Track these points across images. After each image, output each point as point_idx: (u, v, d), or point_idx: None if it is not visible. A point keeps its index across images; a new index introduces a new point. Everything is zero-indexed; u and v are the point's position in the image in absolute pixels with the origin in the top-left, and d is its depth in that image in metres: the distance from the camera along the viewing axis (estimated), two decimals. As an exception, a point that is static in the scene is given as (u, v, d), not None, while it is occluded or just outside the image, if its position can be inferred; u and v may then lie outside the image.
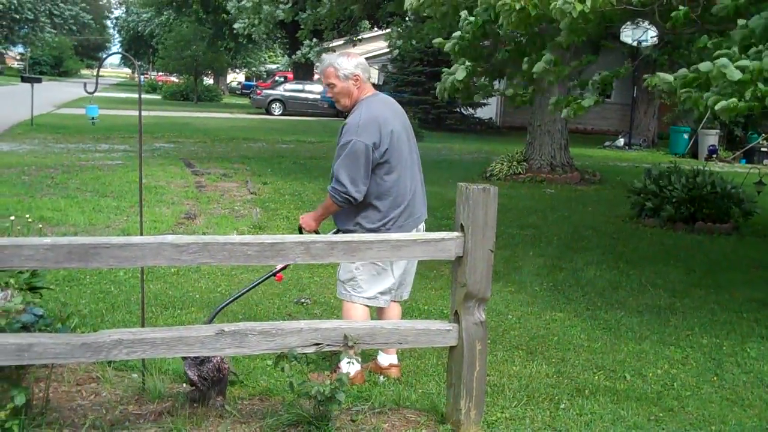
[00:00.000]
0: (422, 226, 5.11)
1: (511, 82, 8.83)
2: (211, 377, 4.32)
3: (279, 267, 5.20)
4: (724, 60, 5.04)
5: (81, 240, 3.67)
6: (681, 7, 6.11)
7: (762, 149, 25.45)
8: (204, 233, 9.32)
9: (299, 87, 39.04)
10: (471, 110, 33.13)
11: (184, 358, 4.27)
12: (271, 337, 3.94)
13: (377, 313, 5.25)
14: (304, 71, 44.11)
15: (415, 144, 5.15)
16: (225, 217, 10.49)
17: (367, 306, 4.96)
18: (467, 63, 7.18)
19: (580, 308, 7.09)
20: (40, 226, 7.46)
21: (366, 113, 4.80)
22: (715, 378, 5.52)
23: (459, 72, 7.13)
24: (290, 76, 51.21)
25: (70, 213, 10.03)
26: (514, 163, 16.02)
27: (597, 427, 4.57)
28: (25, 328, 4.36)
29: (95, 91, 5.02)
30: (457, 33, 7.37)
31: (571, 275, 8.27)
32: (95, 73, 6.61)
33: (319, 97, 37.27)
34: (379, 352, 5.21)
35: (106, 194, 11.71)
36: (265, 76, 66.08)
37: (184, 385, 4.71)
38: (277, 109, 37.70)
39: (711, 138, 25.63)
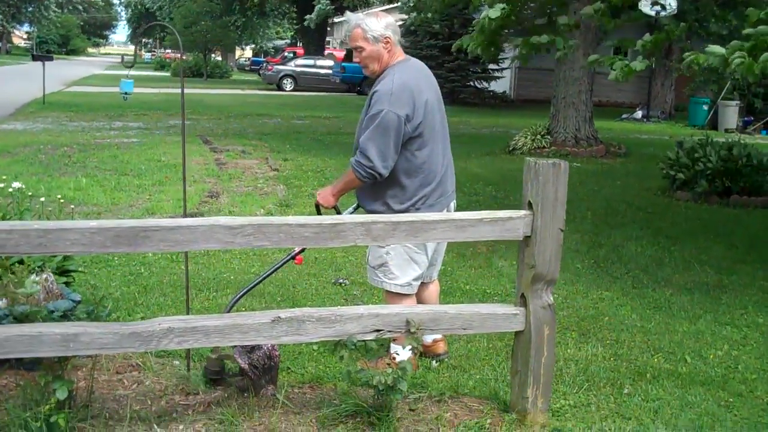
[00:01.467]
0: (453, 204, 4.75)
1: (535, 37, 8.45)
2: (262, 365, 4.08)
3: (298, 249, 4.78)
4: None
5: (129, 223, 3.42)
6: None
7: (783, 120, 25.09)
8: (230, 212, 9.08)
9: (310, 62, 38.67)
10: (485, 84, 32.74)
11: (233, 346, 4.03)
12: (329, 323, 3.70)
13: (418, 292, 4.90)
14: (314, 46, 43.79)
15: (445, 116, 4.73)
16: (249, 195, 10.24)
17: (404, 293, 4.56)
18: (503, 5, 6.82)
19: (627, 286, 6.83)
20: (72, 206, 7.21)
21: (399, 81, 4.31)
22: (779, 359, 5.27)
23: (494, 11, 6.74)
24: (300, 51, 50.92)
25: (91, 192, 9.78)
26: (538, 136, 15.69)
27: (666, 414, 4.31)
28: (64, 315, 4.14)
29: (133, 65, 4.75)
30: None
31: (612, 251, 8.01)
32: (130, 50, 6.35)
33: (330, 72, 36.93)
34: None
35: (125, 173, 11.46)
36: (273, 52, 65.64)
37: (231, 372, 4.48)
38: (288, 84, 37.34)
39: (731, 109, 25.25)
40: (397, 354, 4.44)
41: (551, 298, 3.96)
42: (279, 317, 3.64)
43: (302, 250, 5.06)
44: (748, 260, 7.84)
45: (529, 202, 3.87)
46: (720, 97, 25.46)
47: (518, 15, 7.66)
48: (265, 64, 53.44)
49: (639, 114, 27.78)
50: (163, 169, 11.93)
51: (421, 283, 4.73)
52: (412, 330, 3.75)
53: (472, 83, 32.38)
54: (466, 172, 11.66)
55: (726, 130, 24.64)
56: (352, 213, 4.89)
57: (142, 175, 11.23)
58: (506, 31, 7.48)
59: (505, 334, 5.19)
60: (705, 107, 25.93)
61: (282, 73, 37.72)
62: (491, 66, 32.31)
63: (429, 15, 14.41)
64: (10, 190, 5.35)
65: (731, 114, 25.23)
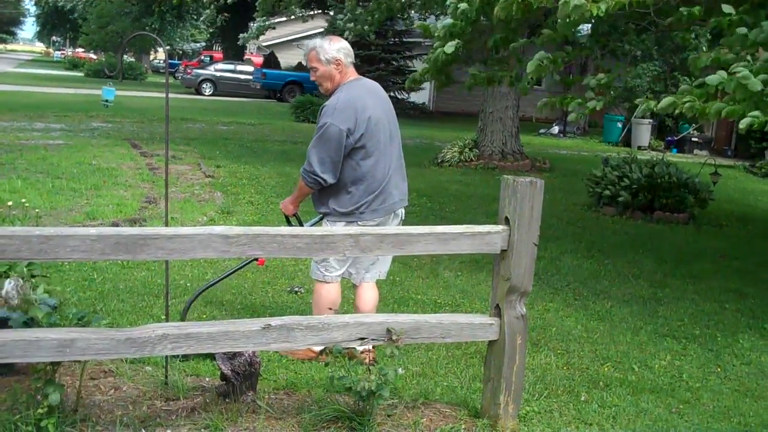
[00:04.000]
0: (401, 212, 5.18)
1: (489, 64, 8.78)
2: (243, 371, 4.17)
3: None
4: (745, 72, 5.11)
5: (129, 231, 3.50)
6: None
7: (693, 139, 26.09)
8: (172, 219, 9.07)
9: (230, 67, 38.42)
10: (405, 94, 33.13)
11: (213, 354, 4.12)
12: (317, 331, 3.82)
13: (356, 293, 5.30)
14: (234, 50, 43.53)
15: (397, 130, 5.17)
16: (188, 201, 10.23)
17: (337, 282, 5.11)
18: (458, 41, 7.10)
19: (569, 298, 7.12)
20: (37, 211, 7.10)
21: (344, 98, 4.81)
22: (719, 369, 5.60)
23: (449, 46, 7.03)
24: (217, 55, 50.53)
25: (28, 195, 9.62)
26: (466, 149, 16.03)
27: (623, 420, 4.58)
28: (32, 320, 4.16)
29: (121, 74, 4.78)
30: (448, 20, 7.30)
31: (550, 264, 8.30)
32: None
33: (251, 78, 36.76)
34: None
35: (58, 176, 11.27)
36: (190, 54, 64.89)
37: (207, 378, 4.56)
38: (207, 89, 37.01)
39: (644, 127, 26.15)
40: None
41: (524, 309, 4.17)
42: (269, 325, 3.75)
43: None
44: (677, 274, 8.23)
45: (506, 217, 4.07)
46: (633, 115, 26.31)
47: (468, 50, 7.94)
48: (183, 68, 52.96)
49: (555, 129, 28.51)
50: (96, 173, 11.79)
51: (357, 285, 5.23)
52: (394, 338, 3.91)
53: (393, 94, 32.73)
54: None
55: (639, 147, 25.52)
56: (316, 221, 5.27)
57: (76, 179, 11.08)
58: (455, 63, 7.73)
59: (462, 344, 5.42)
60: (619, 125, 26.80)
61: (201, 77, 37.38)
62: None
63: (366, 27, 14.60)
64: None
65: (644, 132, 26.14)
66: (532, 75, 6.97)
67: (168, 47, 70.91)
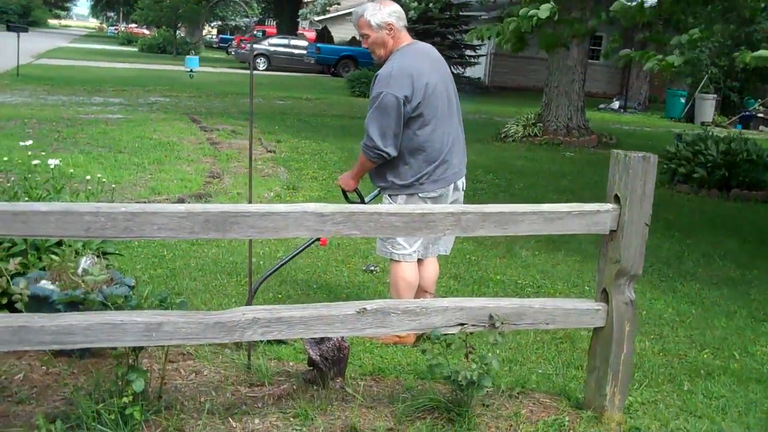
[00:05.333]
0: (462, 182, 4.90)
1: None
2: (332, 357, 3.95)
3: None
4: None
5: (219, 208, 3.27)
6: None
7: (758, 115, 25.34)
8: (238, 194, 8.89)
9: (284, 41, 38.23)
10: (461, 69, 32.65)
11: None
12: (414, 316, 3.57)
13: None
14: (287, 25, 43.36)
15: (456, 96, 4.89)
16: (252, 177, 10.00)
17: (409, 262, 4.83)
18: (552, 3, 6.79)
19: (655, 280, 6.78)
20: (113, 186, 6.94)
21: (399, 64, 4.54)
22: (826, 357, 5.25)
23: (543, 10, 6.72)
24: (270, 30, 50.39)
25: (91, 169, 9.49)
26: (530, 125, 15.63)
27: (733, 413, 4.26)
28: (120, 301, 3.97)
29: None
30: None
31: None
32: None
33: (305, 52, 36.56)
34: None
35: (120, 150, 11.17)
36: (243, 29, 64.86)
37: (291, 363, 4.34)
38: (261, 64, 36.87)
39: (708, 102, 25.44)
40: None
41: (633, 294, 3.88)
42: (365, 309, 3.51)
43: None
44: (764, 255, 7.85)
45: (616, 195, 3.77)
46: (697, 91, 25.64)
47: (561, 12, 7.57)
48: (233, 42, 52.92)
49: (616, 104, 27.89)
50: (157, 147, 11.66)
51: (420, 260, 4.93)
52: (497, 324, 3.64)
53: (450, 69, 32.22)
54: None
55: (702, 123, 24.81)
56: (375, 195, 5.14)
57: (138, 153, 10.96)
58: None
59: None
60: (682, 100, 26.10)
61: (256, 52, 37.29)
62: (468, 52, 32.29)
63: (431, 4, 14.26)
64: (52, 167, 5.13)
65: (708, 107, 25.43)
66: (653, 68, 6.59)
67: (219, 22, 70.98)
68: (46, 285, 4.10)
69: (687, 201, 10.60)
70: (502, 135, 15.63)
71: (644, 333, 5.46)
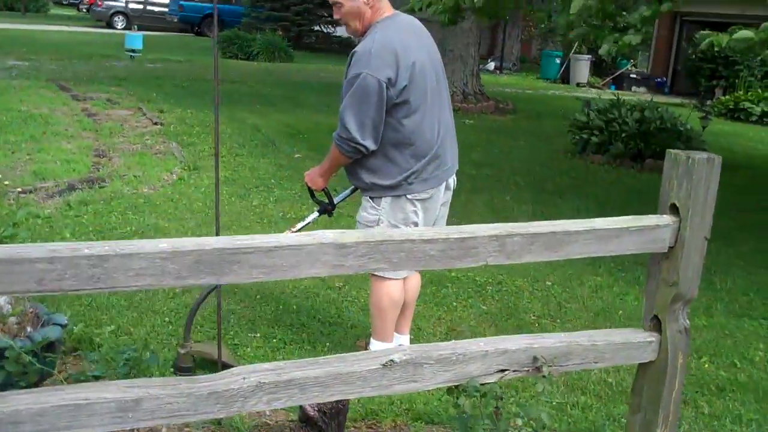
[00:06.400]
0: (452, 180, 4.16)
1: None
2: (330, 409, 3.20)
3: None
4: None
5: (212, 243, 2.42)
6: None
7: (631, 75, 25.67)
8: (135, 177, 7.86)
9: (144, -1, 36.21)
10: (332, 28, 31.74)
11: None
12: (450, 365, 2.85)
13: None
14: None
15: (445, 78, 4.13)
16: (143, 155, 8.97)
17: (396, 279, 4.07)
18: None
19: (612, 269, 6.30)
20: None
21: (380, 40, 3.76)
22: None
23: None
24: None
25: (-43, 151, 8.29)
26: (425, 90, 14.98)
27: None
28: (50, 345, 3.09)
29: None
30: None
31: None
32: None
33: (167, 10, 34.69)
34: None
35: (-16, 125, 9.85)
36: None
37: (268, 413, 3.55)
38: (119, 22, 34.72)
39: (583, 63, 25.59)
40: (374, 349, 4.05)
41: (687, 320, 3.27)
42: (392, 361, 2.75)
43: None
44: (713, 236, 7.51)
45: (673, 204, 3.14)
46: (572, 51, 25.70)
47: None
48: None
49: (491, 65, 27.67)
50: (28, 121, 10.35)
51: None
52: (543, 368, 2.97)
53: (319, 27, 31.31)
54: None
55: (578, 84, 24.98)
56: (348, 195, 4.30)
57: (8, 129, 9.65)
58: None
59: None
60: (557, 61, 26.13)
61: (113, 10, 35.10)
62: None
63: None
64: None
65: (583, 68, 25.58)
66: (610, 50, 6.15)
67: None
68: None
69: (605, 173, 10.24)
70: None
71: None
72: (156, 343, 4.31)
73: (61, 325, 3.30)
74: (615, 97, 11.70)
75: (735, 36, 6.19)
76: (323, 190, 4.17)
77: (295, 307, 4.93)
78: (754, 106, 17.34)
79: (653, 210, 2.78)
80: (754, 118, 17.12)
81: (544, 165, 10.33)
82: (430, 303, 5.21)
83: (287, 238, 2.58)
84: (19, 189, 6.98)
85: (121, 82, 15.22)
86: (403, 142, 3.83)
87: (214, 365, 4.00)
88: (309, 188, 4.23)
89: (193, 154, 9.26)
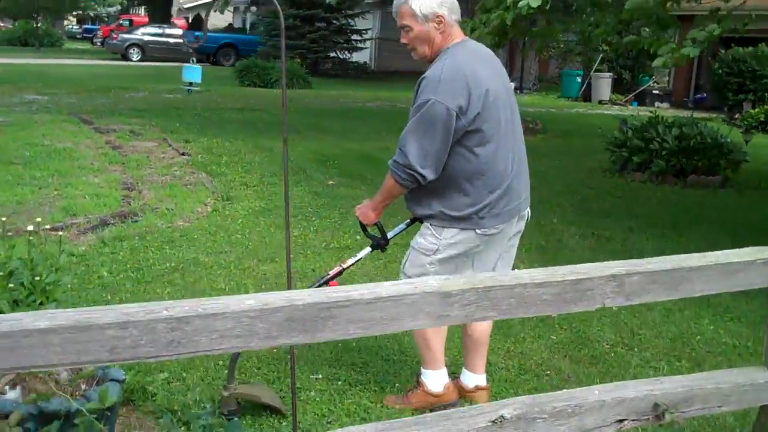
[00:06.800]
0: (527, 212, 3.88)
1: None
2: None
3: (333, 272, 3.99)
4: None
5: (304, 297, 2.09)
6: None
7: (654, 92, 25.37)
8: (167, 210, 7.57)
9: (159, 30, 36.10)
10: (348, 54, 31.61)
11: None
12: (565, 418, 2.52)
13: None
14: (159, 14, 41.35)
15: (516, 107, 3.84)
16: (174, 187, 8.69)
17: None
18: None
19: (693, 296, 5.93)
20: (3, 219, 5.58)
21: (451, 65, 3.53)
22: None
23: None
24: (137, 19, 48.03)
25: (-19, 189, 8.02)
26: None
27: None
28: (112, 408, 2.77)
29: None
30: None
31: (622, 247, 7.12)
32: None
33: (181, 41, 34.67)
34: (463, 369, 4.13)
35: (10, 161, 9.57)
36: (106, 18, 61.74)
37: None
38: (135, 54, 34.72)
39: (604, 81, 25.32)
40: (426, 379, 3.98)
41: (816, 355, 2.93)
42: (502, 417, 2.43)
43: (339, 273, 4.03)
44: None
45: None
46: (592, 70, 25.43)
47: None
48: (98, 32, 50.27)
49: (512, 85, 27.31)
50: (53, 155, 10.11)
51: None
52: (666, 417, 2.63)
53: (335, 54, 31.18)
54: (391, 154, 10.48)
55: (600, 102, 24.70)
56: (404, 229, 4.01)
57: (33, 164, 9.42)
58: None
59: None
60: (578, 79, 25.87)
61: (128, 42, 35.04)
62: (354, 36, 31.32)
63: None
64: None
65: (604, 86, 25.31)
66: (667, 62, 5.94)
67: (80, 12, 67.63)
68: (11, 395, 2.84)
69: (648, 191, 9.90)
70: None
71: (707, 363, 4.55)
72: (212, 389, 3.99)
73: (118, 381, 2.98)
74: (652, 114, 11.36)
75: (683, 51, 5.99)
76: (376, 224, 3.90)
77: (354, 344, 4.60)
78: (784, 118, 16.97)
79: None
80: (786, 131, 16.75)
81: (585, 184, 10.00)
82: (497, 334, 4.87)
83: (386, 288, 2.26)
84: (49, 226, 6.69)
85: (143, 114, 15.02)
86: (475, 173, 3.58)
87: (260, 408, 3.77)
88: (361, 223, 3.95)
89: (225, 184, 8.98)
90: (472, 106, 3.46)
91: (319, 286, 4.01)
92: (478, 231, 3.62)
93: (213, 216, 7.49)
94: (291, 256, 6.27)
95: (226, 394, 3.73)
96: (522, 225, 3.86)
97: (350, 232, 6.99)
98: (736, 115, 19.36)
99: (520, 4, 6.14)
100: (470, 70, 3.52)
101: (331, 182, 9.43)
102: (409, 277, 3.69)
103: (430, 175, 3.52)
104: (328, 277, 3.97)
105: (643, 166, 10.50)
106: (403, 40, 3.71)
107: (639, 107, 24.03)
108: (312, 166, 10.42)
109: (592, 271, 2.50)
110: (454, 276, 2.33)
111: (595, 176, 10.74)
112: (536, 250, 6.78)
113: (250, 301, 2.06)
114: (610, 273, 2.50)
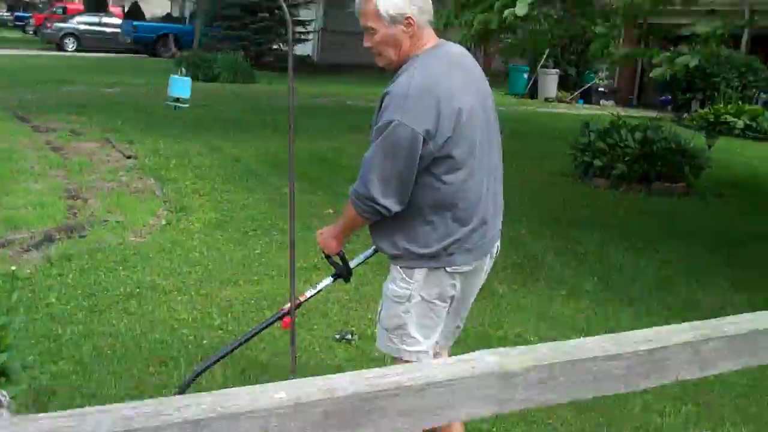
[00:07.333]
0: (497, 247, 3.41)
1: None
2: None
3: (286, 307, 3.62)
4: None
5: (347, 385, 1.69)
6: None
7: (599, 89, 25.38)
8: (117, 223, 7.07)
9: (95, 19, 35.04)
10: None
11: None
12: None
13: None
14: (95, 1, 40.20)
15: (496, 122, 3.38)
16: (121, 195, 8.17)
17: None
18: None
19: (669, 314, 5.69)
20: None
21: (419, 80, 3.05)
22: None
23: (519, 7, 5.53)
24: (71, 6, 46.64)
25: None
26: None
27: None
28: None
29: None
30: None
31: (599, 262, 6.87)
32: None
33: (118, 30, 33.69)
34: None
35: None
36: (39, 6, 60.04)
37: None
38: (70, 44, 33.63)
39: (551, 78, 25.23)
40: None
41: None
42: None
43: (297, 307, 3.65)
44: (740, 265, 7.00)
45: None
46: (539, 66, 25.31)
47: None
48: (30, 21, 48.78)
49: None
50: (-11, 157, 9.51)
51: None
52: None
53: (278, 46, 30.54)
54: (345, 155, 10.04)
55: (546, 99, 24.62)
56: (369, 256, 3.70)
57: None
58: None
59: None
60: (525, 75, 25.75)
61: (63, 31, 33.95)
62: (298, 28, 30.72)
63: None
64: None
65: (551, 82, 25.24)
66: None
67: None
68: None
69: (614, 198, 9.67)
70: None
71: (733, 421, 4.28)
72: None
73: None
74: (615, 117, 11.16)
75: (677, 61, 5.79)
76: (338, 253, 3.48)
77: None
78: (735, 119, 16.94)
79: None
80: (737, 132, 16.72)
81: (548, 191, 9.74)
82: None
83: (438, 369, 1.87)
84: (-9, 241, 6.18)
85: (82, 110, 14.34)
86: (443, 203, 3.14)
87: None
88: (326, 254, 3.53)
89: (176, 192, 8.49)
90: (442, 128, 3.01)
91: (272, 322, 3.63)
92: (448, 269, 3.18)
93: (167, 230, 7.01)
94: (256, 277, 5.87)
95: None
96: (490, 264, 3.43)
97: (315, 248, 6.54)
98: (684, 115, 19.36)
99: (506, 12, 5.80)
100: (443, 87, 3.05)
101: (286, 189, 8.98)
102: (387, 330, 3.31)
103: (393, 206, 3.08)
104: (283, 312, 3.58)
105: (606, 171, 10.26)
106: (366, 44, 3.24)
107: (585, 105, 24.06)
108: (265, 170, 9.98)
109: (665, 337, 2.16)
110: (509, 349, 1.94)
111: (558, 182, 10.49)
112: (513, 268, 6.45)
113: (281, 394, 1.64)
114: (686, 340, 2.16)
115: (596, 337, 2.14)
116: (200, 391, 3.64)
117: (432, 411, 1.79)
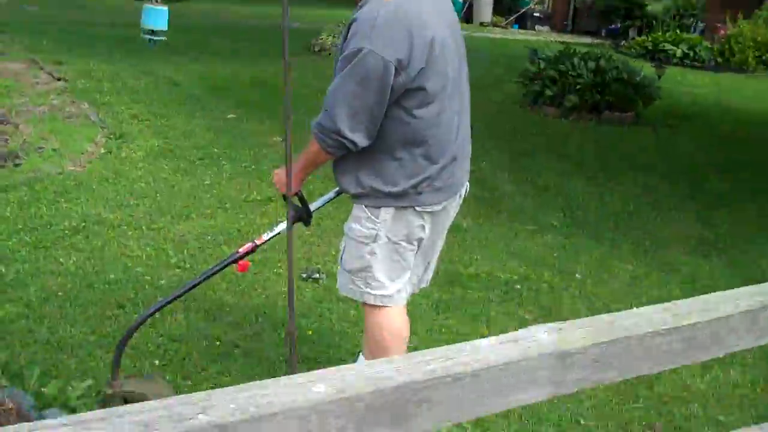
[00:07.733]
0: (466, 187, 3.25)
1: None
2: None
3: (244, 249, 3.30)
4: None
5: (395, 375, 1.44)
6: None
7: (534, 14, 25.16)
8: (53, 150, 6.60)
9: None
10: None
11: None
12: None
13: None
14: None
15: (465, 60, 3.15)
16: (54, 121, 7.63)
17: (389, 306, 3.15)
18: None
19: (635, 249, 5.56)
20: None
21: (390, 7, 2.79)
22: None
23: None
24: None
25: None
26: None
27: None
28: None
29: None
30: None
31: (560, 195, 6.71)
32: None
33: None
34: None
35: None
36: None
37: None
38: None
39: (486, 3, 24.91)
40: None
41: None
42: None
43: (252, 251, 3.31)
44: (702, 200, 6.91)
45: None
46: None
47: None
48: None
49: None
50: None
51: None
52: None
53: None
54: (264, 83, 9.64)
55: (482, 24, 24.33)
56: (331, 198, 3.42)
57: None
58: None
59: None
60: (459, 0, 25.33)
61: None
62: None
63: None
64: None
65: (486, 7, 24.92)
66: None
67: None
68: None
69: (565, 128, 9.50)
70: (316, 47, 13.76)
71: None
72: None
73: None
74: (563, 45, 10.93)
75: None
76: (297, 194, 3.20)
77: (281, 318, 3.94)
78: (674, 48, 16.90)
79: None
80: (675, 60, 16.68)
81: (498, 121, 9.49)
82: (465, 315, 4.32)
83: (491, 350, 1.62)
84: None
85: (3, 28, 13.48)
86: (414, 139, 2.93)
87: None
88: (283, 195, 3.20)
89: (113, 117, 7.99)
90: (414, 58, 2.79)
91: (226, 265, 3.30)
92: (417, 208, 2.99)
93: (108, 158, 6.58)
94: (209, 211, 5.52)
95: (109, 392, 3.07)
96: (460, 203, 3.25)
97: (267, 179, 6.24)
98: (623, 42, 19.27)
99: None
100: (414, 14, 2.81)
101: (231, 115, 8.56)
102: (349, 273, 3.12)
103: (361, 141, 2.87)
104: (238, 255, 3.28)
105: (556, 100, 10.06)
106: None
107: (520, 30, 23.85)
108: (205, 95, 9.51)
109: (723, 305, 1.95)
110: (565, 324, 1.70)
111: (508, 110, 10.25)
112: (475, 200, 6.22)
113: (319, 387, 1.37)
114: (744, 309, 1.95)
115: (649, 307, 1.90)
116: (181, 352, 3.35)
117: (484, 399, 1.56)
